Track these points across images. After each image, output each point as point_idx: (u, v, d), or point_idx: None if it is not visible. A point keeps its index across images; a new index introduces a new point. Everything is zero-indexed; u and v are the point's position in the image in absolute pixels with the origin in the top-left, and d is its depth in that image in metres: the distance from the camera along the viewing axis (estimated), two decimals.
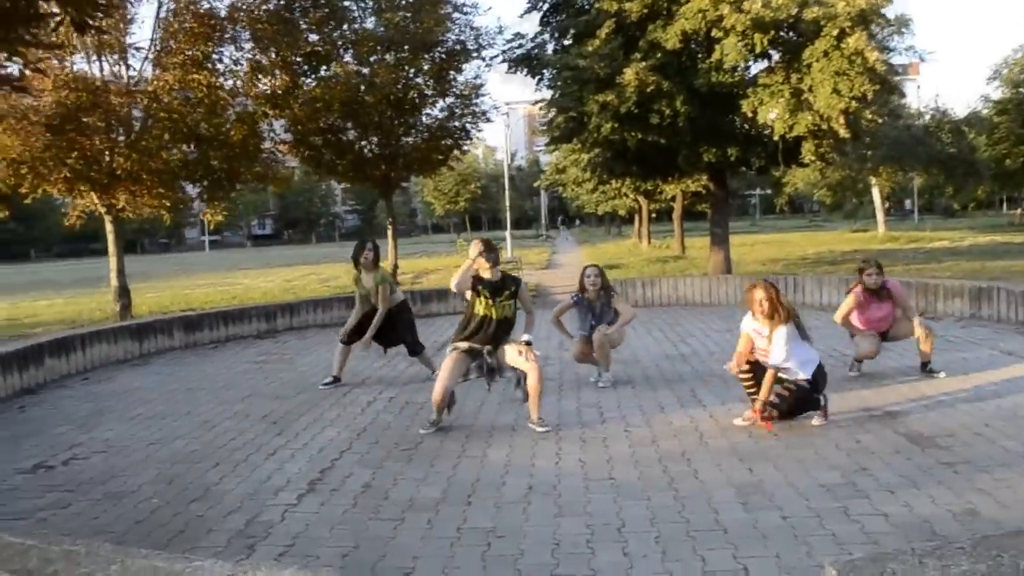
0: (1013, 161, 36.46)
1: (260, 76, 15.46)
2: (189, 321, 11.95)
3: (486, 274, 6.13)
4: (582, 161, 23.18)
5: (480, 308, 6.13)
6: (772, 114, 13.72)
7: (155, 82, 13.46)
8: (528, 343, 6.12)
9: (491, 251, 6.20)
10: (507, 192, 31.02)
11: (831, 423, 5.92)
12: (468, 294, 6.17)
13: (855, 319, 7.63)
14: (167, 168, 14.27)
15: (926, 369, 7.54)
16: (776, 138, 13.85)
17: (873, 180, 36.31)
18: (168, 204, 14.64)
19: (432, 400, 6.16)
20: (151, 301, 17.98)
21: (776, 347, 5.86)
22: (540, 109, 16.16)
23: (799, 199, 71.22)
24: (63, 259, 71.59)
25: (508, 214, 30.28)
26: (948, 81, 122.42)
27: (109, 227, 14.44)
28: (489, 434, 6.10)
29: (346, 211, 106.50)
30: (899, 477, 4.69)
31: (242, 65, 15.02)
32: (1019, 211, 52.27)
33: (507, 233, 29.96)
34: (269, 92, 15.90)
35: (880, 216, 37.77)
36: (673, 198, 28.80)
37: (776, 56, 14.25)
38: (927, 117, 37.49)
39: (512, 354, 6.15)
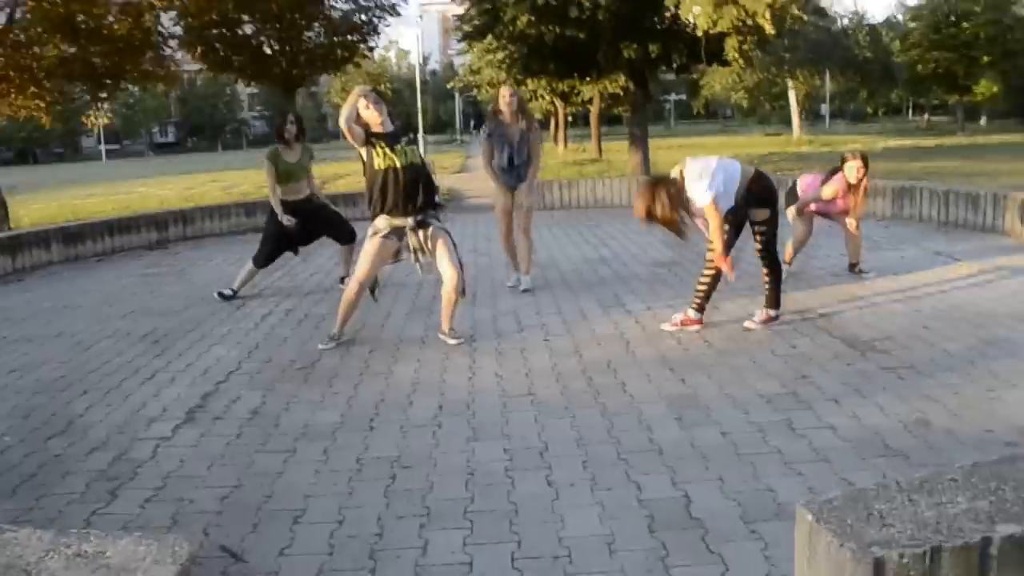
0: (924, 67, 36.85)
1: None
2: (69, 233, 10.90)
3: (378, 128, 5.25)
4: (496, 61, 22.24)
5: (380, 162, 5.21)
6: (696, 9, 13.10)
7: None
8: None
9: (378, 102, 5.27)
10: (419, 95, 29.65)
11: (763, 327, 5.56)
12: (363, 152, 5.28)
13: (813, 206, 7.22)
14: (41, 65, 12.95)
15: (855, 270, 7.26)
16: (699, 34, 13.28)
17: (790, 83, 36.25)
18: (44, 105, 13.33)
19: (342, 301, 5.56)
20: (36, 213, 16.62)
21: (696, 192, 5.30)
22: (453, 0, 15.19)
23: (714, 105, 71.11)
24: None
25: (421, 118, 29.07)
26: None
27: None
28: (396, 348, 5.55)
29: (254, 117, 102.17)
30: (842, 385, 4.34)
31: None
32: (926, 116, 53.35)
33: (419, 137, 28.92)
34: None
35: (796, 120, 37.87)
36: (590, 100, 28.11)
37: None
38: (844, 20, 37.39)
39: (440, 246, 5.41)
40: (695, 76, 32.73)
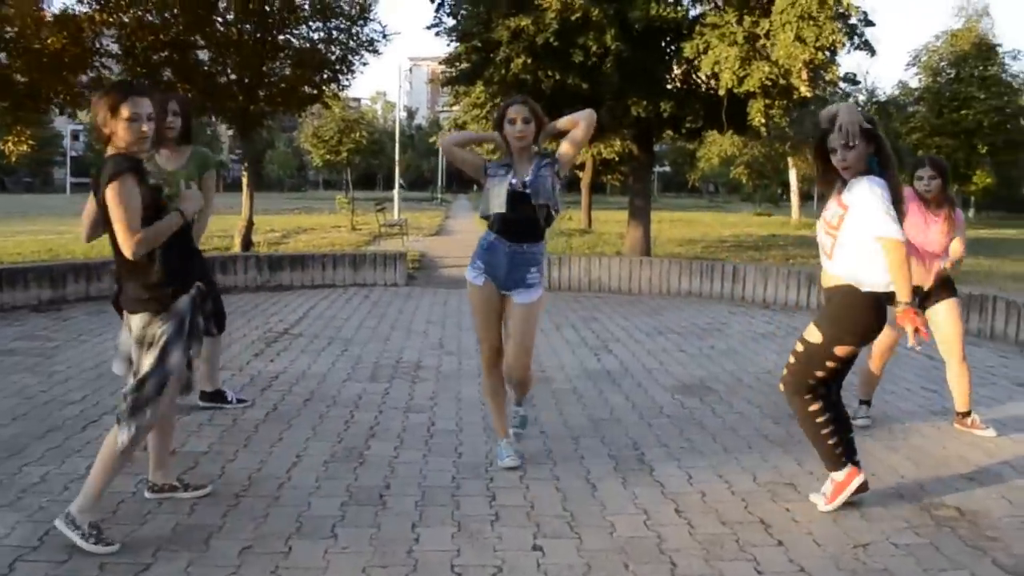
0: (925, 152, 35.41)
1: None
2: None
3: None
4: (483, 115, 20.19)
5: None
6: (719, 64, 11.08)
7: None
8: None
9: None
10: (397, 143, 27.28)
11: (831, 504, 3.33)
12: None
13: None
14: None
15: (966, 422, 5.04)
16: (722, 92, 11.27)
17: (791, 160, 34.54)
18: None
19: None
20: None
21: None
22: (436, 34, 13.13)
23: (697, 179, 69.10)
24: None
25: (397, 169, 26.89)
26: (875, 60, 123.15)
27: None
28: None
29: (233, 160, 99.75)
30: None
31: None
32: None
33: (395, 192, 26.66)
34: None
35: (795, 201, 36.03)
36: (582, 165, 26.16)
37: None
38: (859, 96, 35.85)
39: None
40: (692, 146, 30.81)
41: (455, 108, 29.95)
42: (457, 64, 13.43)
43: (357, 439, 4.64)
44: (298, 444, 4.54)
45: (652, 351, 7.18)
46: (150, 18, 12.86)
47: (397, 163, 27.43)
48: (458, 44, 12.97)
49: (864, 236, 3.47)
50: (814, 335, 3.62)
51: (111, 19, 12.80)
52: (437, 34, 13.06)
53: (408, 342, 7.50)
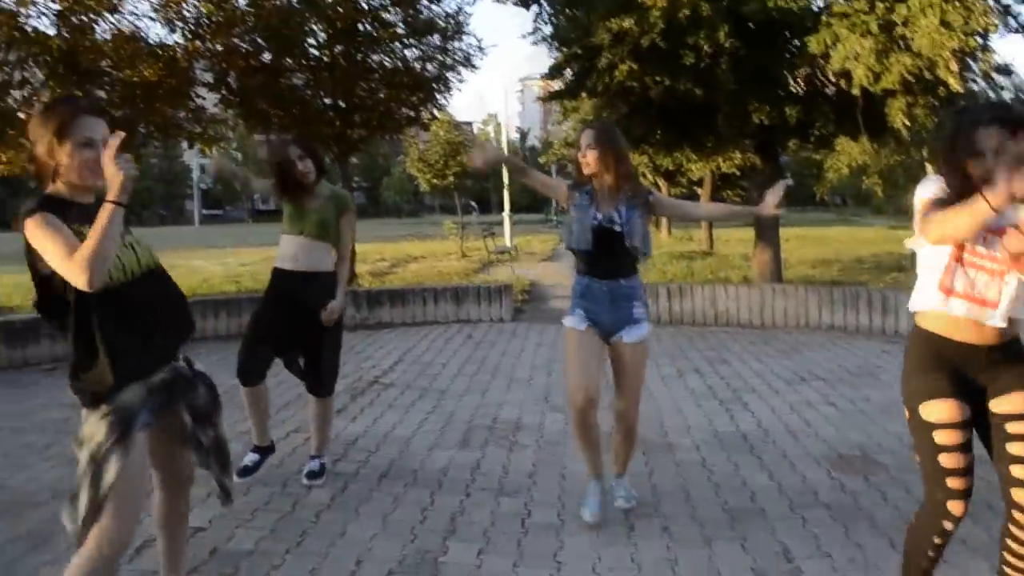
0: None
1: None
2: (12, 329, 8.24)
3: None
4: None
5: None
6: (852, 59, 9.78)
7: None
8: None
9: None
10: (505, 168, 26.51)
11: None
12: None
13: None
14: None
15: None
16: (855, 91, 9.94)
17: (930, 167, 31.88)
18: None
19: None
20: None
21: None
22: (532, 43, 12.32)
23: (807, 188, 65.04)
24: None
25: (507, 195, 26.13)
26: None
27: None
28: None
29: (353, 187, 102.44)
30: None
31: None
32: None
33: (505, 215, 25.92)
34: (191, 17, 12.26)
35: None
36: (699, 181, 24.80)
37: None
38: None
39: None
40: (819, 155, 28.78)
41: (564, 125, 29.22)
42: (559, 75, 12.56)
43: (434, 538, 3.75)
44: (362, 543, 3.70)
45: (795, 405, 6.04)
46: (239, 43, 12.48)
47: (506, 186, 26.62)
48: (558, 53, 12.09)
49: None
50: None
51: (203, 48, 12.54)
52: (535, 43, 12.22)
53: (509, 395, 6.60)
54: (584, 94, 11.92)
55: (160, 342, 2.55)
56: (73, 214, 2.37)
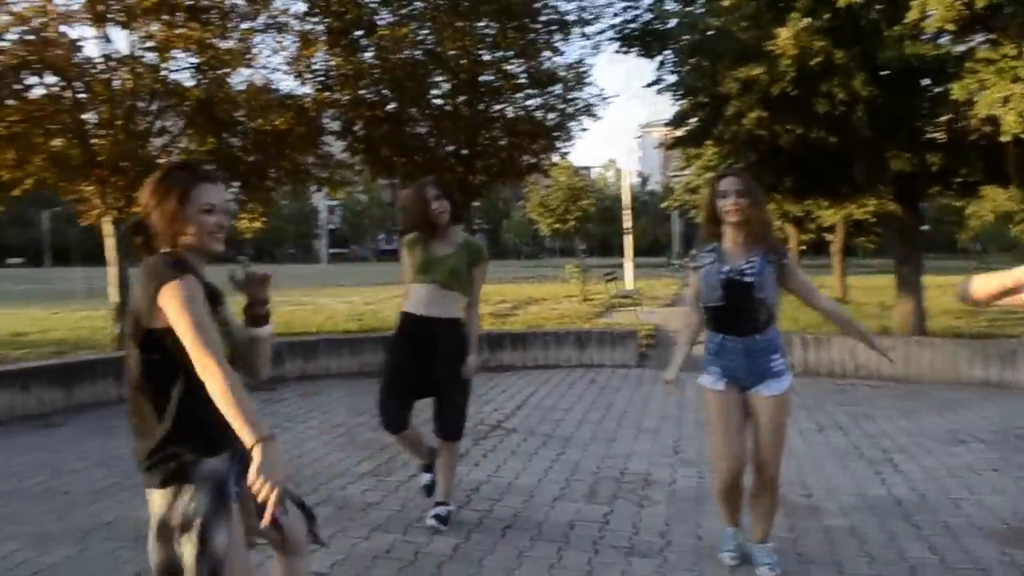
0: None
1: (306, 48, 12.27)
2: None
3: None
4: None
5: None
6: (999, 106, 9.16)
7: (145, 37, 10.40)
8: None
9: None
10: (625, 211, 26.20)
11: None
12: None
13: None
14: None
15: None
16: (1005, 139, 9.29)
17: None
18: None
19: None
20: None
21: None
22: (657, 92, 12.08)
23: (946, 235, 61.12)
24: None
25: (629, 239, 25.82)
26: None
27: (107, 228, 11.31)
28: None
29: (475, 230, 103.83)
30: None
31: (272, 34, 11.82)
32: None
33: (626, 260, 25.60)
34: (320, 70, 12.72)
35: None
36: (830, 228, 23.86)
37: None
38: None
39: None
40: (960, 203, 27.23)
41: (686, 172, 28.73)
42: (683, 124, 12.29)
43: None
44: None
45: (953, 469, 5.53)
46: (366, 94, 12.81)
47: (625, 229, 26.26)
48: (682, 102, 11.82)
49: None
50: None
51: (331, 98, 12.93)
52: (659, 92, 12.00)
53: (636, 444, 6.33)
54: (709, 141, 11.61)
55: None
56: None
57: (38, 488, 5.08)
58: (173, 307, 2.16)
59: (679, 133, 12.61)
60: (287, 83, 40.65)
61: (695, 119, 11.66)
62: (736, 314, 3.62)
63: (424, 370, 4.36)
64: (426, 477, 4.67)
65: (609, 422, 7.11)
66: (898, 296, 11.51)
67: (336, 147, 13.75)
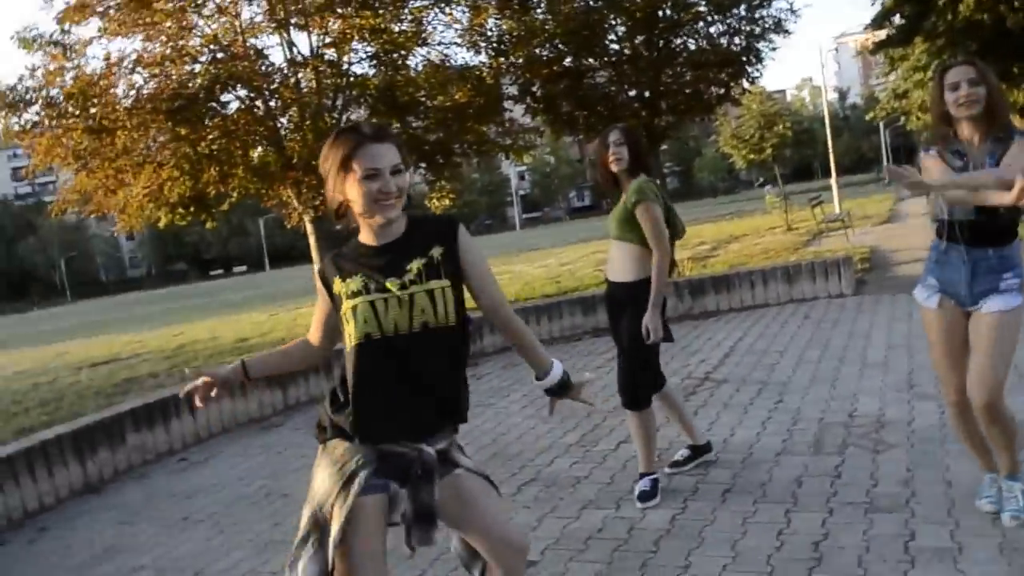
0: None
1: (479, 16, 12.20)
2: None
3: None
4: (928, 80, 16.92)
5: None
6: None
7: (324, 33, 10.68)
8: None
9: None
10: (828, 129, 24.36)
11: None
12: None
13: None
14: None
15: None
16: None
17: None
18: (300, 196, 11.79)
19: None
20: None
21: None
22: None
23: None
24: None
25: (832, 159, 24.07)
26: None
27: (308, 227, 11.85)
28: None
29: (665, 173, 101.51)
30: None
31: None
32: None
33: (832, 181, 23.96)
34: (494, 36, 12.60)
35: None
36: None
37: None
38: None
39: None
40: None
41: (891, 78, 26.39)
42: (887, 23, 11.15)
43: (797, 570, 3.17)
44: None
45: None
46: (541, 52, 12.55)
47: (830, 150, 24.58)
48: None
49: None
50: None
51: (507, 63, 12.77)
52: None
53: (864, 382, 5.74)
54: (918, 39, 10.48)
55: (405, 419, 2.21)
56: (360, 258, 2.23)
57: (259, 493, 5.26)
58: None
59: (882, 35, 11.53)
60: (462, 56, 41.30)
61: (899, 15, 10.59)
62: (972, 226, 3.14)
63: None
64: (643, 483, 4.21)
65: (829, 360, 6.51)
66: None
67: (517, 112, 13.68)
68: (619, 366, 4.20)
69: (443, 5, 12.46)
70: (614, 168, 4.05)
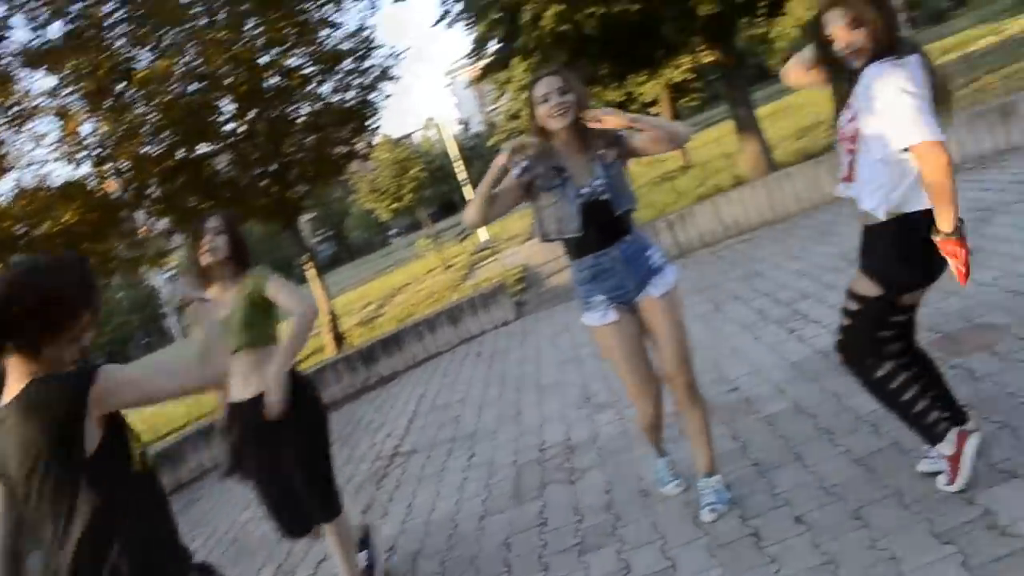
0: None
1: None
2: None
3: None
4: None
5: None
6: None
7: None
8: None
9: None
10: (457, 162, 25.04)
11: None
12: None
13: None
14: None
15: None
16: None
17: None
18: None
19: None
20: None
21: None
22: (448, 26, 11.45)
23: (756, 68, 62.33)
24: None
25: (467, 191, 24.89)
26: None
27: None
28: None
29: (317, 243, 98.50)
30: None
31: None
32: None
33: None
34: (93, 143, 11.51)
35: None
36: (653, 102, 23.72)
37: None
38: None
39: None
40: (764, 28, 27.50)
41: (503, 100, 27.99)
42: (483, 50, 11.63)
43: None
44: None
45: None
46: (151, 150, 11.55)
47: (461, 182, 25.43)
48: (475, 24, 11.13)
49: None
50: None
51: (114, 168, 11.67)
52: (449, 25, 11.33)
53: (545, 407, 5.65)
54: (516, 59, 10.97)
55: None
56: None
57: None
58: None
59: (484, 62, 11.99)
60: (60, 172, 38.10)
61: (494, 40, 11.04)
62: (597, 233, 3.16)
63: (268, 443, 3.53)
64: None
65: (508, 394, 6.39)
66: (741, 140, 11.22)
67: (139, 220, 12.56)
68: (296, 493, 3.49)
69: (18, 123, 11.18)
70: (206, 260, 3.42)
